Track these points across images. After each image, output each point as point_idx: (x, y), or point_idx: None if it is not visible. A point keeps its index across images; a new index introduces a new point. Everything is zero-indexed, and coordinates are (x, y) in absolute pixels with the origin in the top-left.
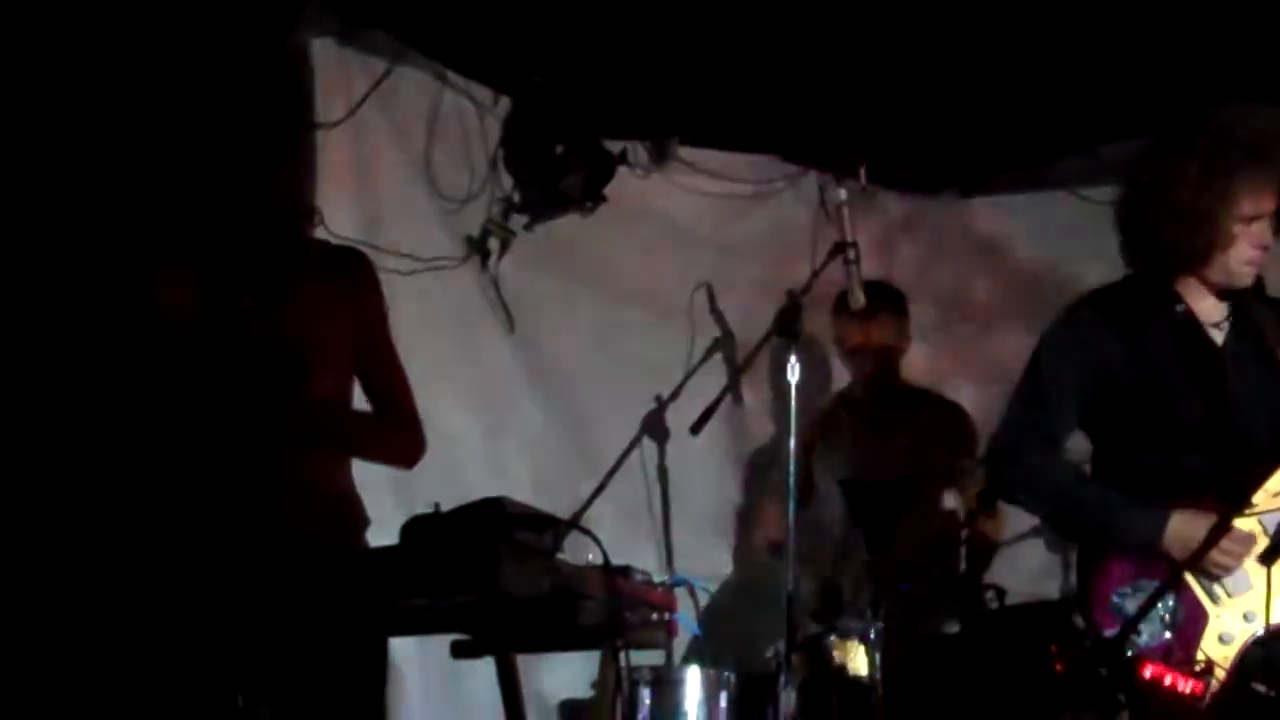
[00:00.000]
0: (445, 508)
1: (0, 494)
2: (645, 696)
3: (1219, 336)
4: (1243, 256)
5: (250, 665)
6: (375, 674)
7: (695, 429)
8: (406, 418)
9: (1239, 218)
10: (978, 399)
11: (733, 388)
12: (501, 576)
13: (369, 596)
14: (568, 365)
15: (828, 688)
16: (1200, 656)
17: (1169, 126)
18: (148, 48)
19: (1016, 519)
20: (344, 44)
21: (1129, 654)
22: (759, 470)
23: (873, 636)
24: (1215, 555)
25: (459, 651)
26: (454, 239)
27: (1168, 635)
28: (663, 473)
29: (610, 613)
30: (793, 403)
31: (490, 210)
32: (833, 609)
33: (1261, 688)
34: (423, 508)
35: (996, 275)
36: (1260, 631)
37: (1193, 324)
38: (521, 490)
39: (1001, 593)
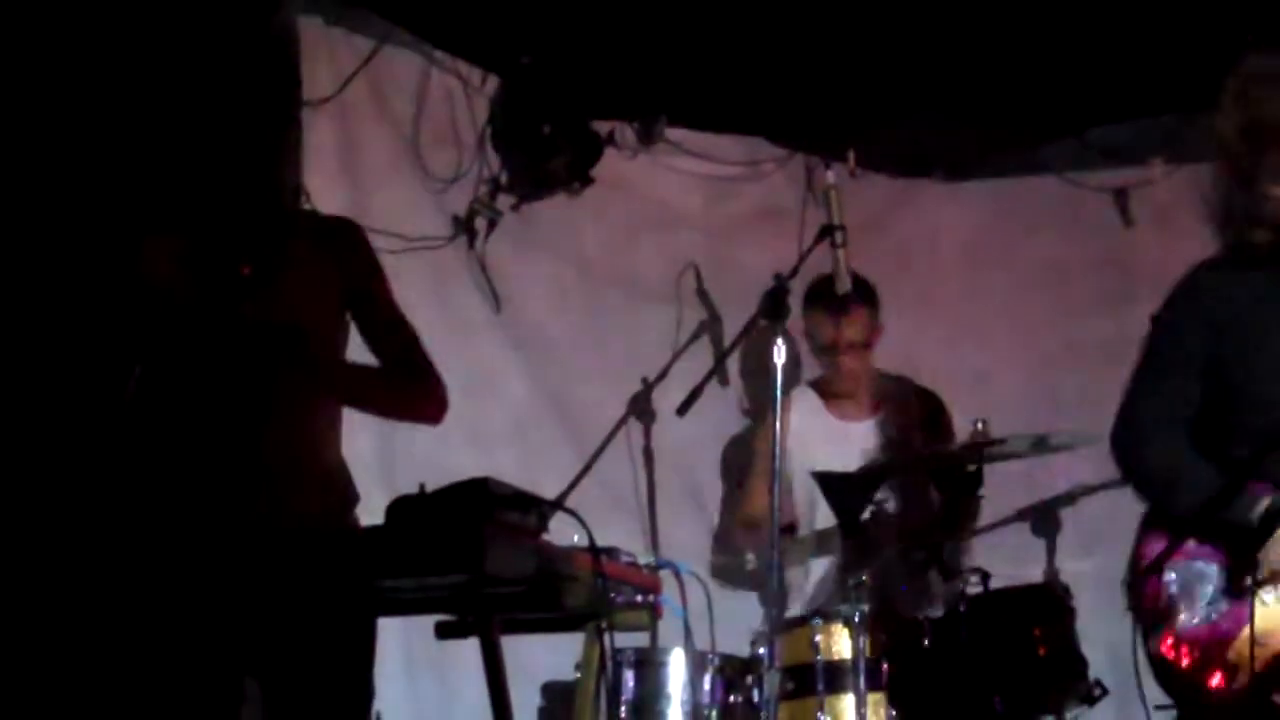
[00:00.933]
0: (430, 488)
1: None
2: (629, 678)
3: None
4: None
5: (240, 641)
6: (363, 653)
7: (681, 410)
8: (421, 370)
9: None
10: (956, 386)
11: (719, 370)
12: (487, 557)
13: (354, 576)
14: (554, 346)
15: (812, 670)
16: (1232, 655)
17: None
18: (136, 23)
19: (999, 502)
20: (331, 22)
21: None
22: (737, 453)
23: (857, 619)
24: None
25: (444, 632)
26: (441, 218)
27: (1211, 619)
28: (648, 454)
29: (595, 594)
30: (779, 386)
31: (477, 190)
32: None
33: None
34: (408, 488)
35: (984, 260)
36: None
37: None
38: (507, 471)
39: (986, 576)
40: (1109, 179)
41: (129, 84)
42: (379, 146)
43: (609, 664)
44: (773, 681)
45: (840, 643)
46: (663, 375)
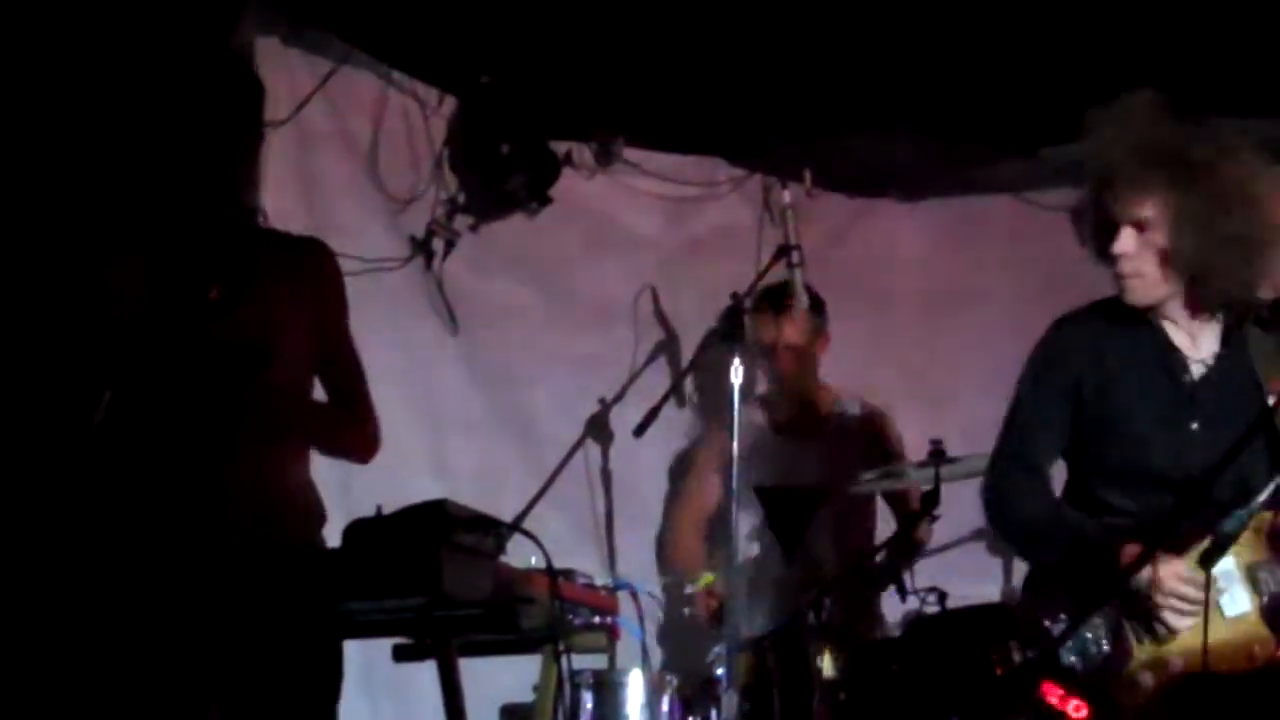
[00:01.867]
0: (387, 510)
1: None
2: (587, 700)
3: (1200, 370)
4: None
5: (204, 663)
6: (329, 677)
7: (639, 431)
8: (364, 410)
9: (1101, 220)
10: (913, 405)
11: (676, 391)
12: (444, 580)
13: (317, 599)
14: (512, 366)
15: (769, 690)
16: (1119, 693)
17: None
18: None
19: (958, 521)
20: (289, 43)
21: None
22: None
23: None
24: (1160, 600)
25: (401, 655)
26: (399, 239)
27: (1096, 661)
28: (606, 475)
29: (552, 616)
30: (735, 405)
31: (435, 210)
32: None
33: None
34: (365, 510)
35: (940, 279)
36: (1177, 674)
37: (1170, 356)
38: (465, 492)
39: (943, 595)
40: (1064, 198)
41: (93, 102)
42: (337, 167)
43: (566, 686)
44: (730, 702)
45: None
46: (620, 396)
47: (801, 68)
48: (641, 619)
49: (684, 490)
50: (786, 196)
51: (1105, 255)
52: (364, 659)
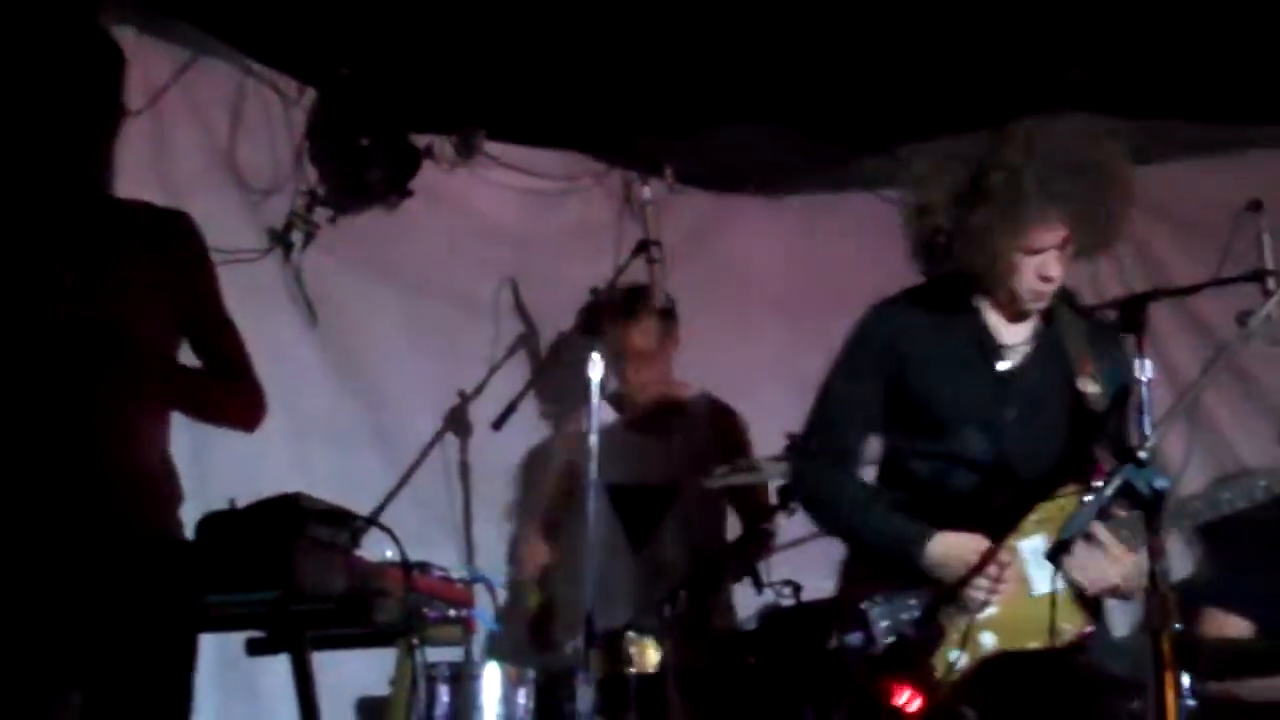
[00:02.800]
0: (242, 504)
1: None
2: (443, 693)
3: (1015, 358)
4: (1026, 285)
5: (62, 649)
6: (183, 665)
7: (497, 425)
8: (246, 377)
9: (1024, 249)
10: (777, 400)
11: (535, 384)
12: (297, 573)
13: (175, 589)
14: (371, 359)
15: (625, 683)
16: (933, 672)
17: (963, 135)
18: None
19: None
20: (144, 32)
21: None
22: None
23: (666, 633)
24: (969, 588)
25: (254, 649)
26: (257, 231)
27: (906, 638)
28: (464, 468)
29: (407, 609)
30: (595, 399)
31: (294, 202)
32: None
33: (971, 713)
34: (219, 503)
35: (802, 274)
36: (989, 652)
37: (986, 344)
38: (322, 486)
39: (798, 588)
40: None
41: None
42: (194, 158)
43: (421, 679)
44: (586, 694)
45: (652, 655)
46: (479, 389)
47: (663, 63)
48: (498, 612)
49: (534, 486)
50: (647, 191)
51: (990, 274)
52: (217, 652)
